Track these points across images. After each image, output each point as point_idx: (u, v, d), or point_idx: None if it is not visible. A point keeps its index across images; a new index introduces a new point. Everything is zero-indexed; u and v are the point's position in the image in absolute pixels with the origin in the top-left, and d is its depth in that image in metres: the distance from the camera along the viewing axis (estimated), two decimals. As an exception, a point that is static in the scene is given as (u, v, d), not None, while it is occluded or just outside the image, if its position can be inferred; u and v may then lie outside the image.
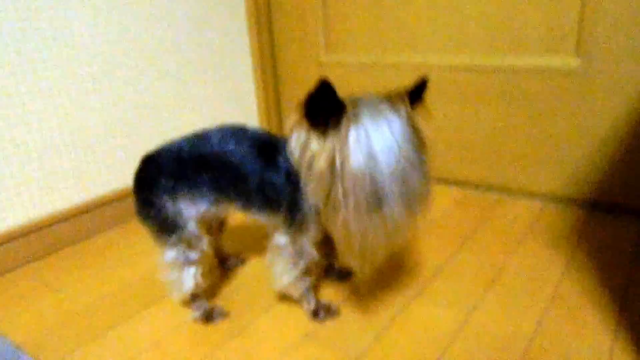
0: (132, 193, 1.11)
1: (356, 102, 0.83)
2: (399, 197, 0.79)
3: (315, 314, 1.13)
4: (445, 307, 1.15)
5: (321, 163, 0.83)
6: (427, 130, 0.88)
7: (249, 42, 2.10)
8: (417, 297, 1.19)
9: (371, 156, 0.78)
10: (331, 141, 0.81)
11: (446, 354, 1.00)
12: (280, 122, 2.28)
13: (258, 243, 1.49)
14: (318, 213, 0.99)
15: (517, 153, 1.67)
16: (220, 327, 1.14)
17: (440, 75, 1.73)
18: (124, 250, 1.54)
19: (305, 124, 0.87)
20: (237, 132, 1.06)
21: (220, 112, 2.04)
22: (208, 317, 1.15)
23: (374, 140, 0.78)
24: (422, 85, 0.88)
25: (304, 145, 0.88)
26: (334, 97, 0.81)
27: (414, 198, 0.82)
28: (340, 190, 0.80)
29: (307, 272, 1.09)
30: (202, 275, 1.12)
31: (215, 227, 1.26)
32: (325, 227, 0.92)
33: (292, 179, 0.98)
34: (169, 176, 1.05)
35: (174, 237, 1.07)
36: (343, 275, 1.26)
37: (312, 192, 0.88)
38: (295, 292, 1.12)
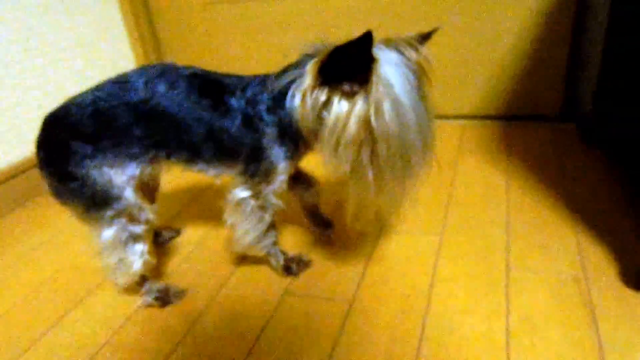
0: (39, 168, 0.86)
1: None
2: (421, 148, 0.75)
3: (287, 269, 1.01)
4: (418, 234, 1.11)
5: (353, 124, 0.73)
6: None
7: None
8: (386, 231, 1.13)
9: (401, 110, 0.71)
10: (362, 100, 0.72)
11: (436, 276, 0.97)
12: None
13: (187, 209, 1.32)
14: (292, 159, 0.88)
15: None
16: (179, 308, 0.97)
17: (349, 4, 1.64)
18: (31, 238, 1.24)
19: (323, 85, 0.74)
20: (166, 72, 0.86)
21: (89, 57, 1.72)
22: (164, 299, 0.97)
23: (401, 94, 0.71)
24: (429, 35, 0.80)
25: (321, 108, 0.75)
26: (369, 50, 0.69)
27: (428, 147, 0.77)
28: (379, 147, 0.72)
29: (271, 226, 0.96)
30: (149, 251, 0.93)
31: (147, 194, 1.04)
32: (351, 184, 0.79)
33: (254, 123, 0.84)
34: (87, 138, 0.83)
35: (109, 212, 0.86)
36: (326, 224, 1.13)
37: (340, 154, 0.75)
38: (261, 250, 0.98)
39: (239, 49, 1.84)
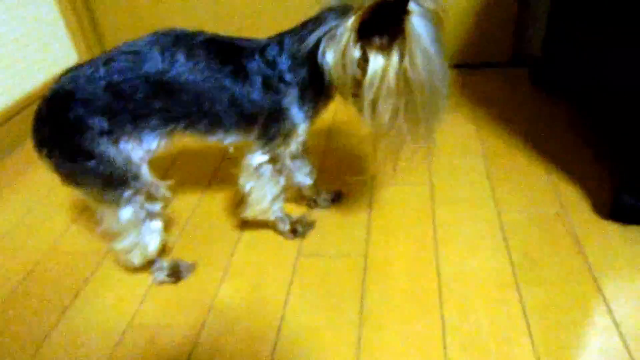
0: (40, 147, 0.80)
1: None
2: (445, 91, 0.78)
3: (293, 231, 1.03)
4: (409, 185, 1.16)
5: (392, 77, 0.74)
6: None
7: None
8: (379, 184, 1.17)
9: (430, 59, 0.73)
10: (397, 53, 0.73)
11: (436, 221, 1.04)
12: (99, 37, 1.85)
13: (169, 175, 1.28)
14: (311, 118, 0.88)
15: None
16: (194, 282, 0.96)
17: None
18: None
19: (357, 39, 0.74)
20: (180, 40, 0.81)
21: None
22: (176, 274, 0.96)
23: (429, 44, 0.72)
24: None
25: (354, 62, 0.75)
26: (406, 5, 0.69)
27: (448, 89, 0.80)
28: (414, 96, 0.74)
29: (282, 189, 0.97)
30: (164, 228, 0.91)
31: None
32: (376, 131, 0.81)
33: (274, 85, 0.82)
34: (104, 113, 0.77)
35: (127, 191, 0.82)
36: (335, 199, 1.14)
37: (380, 107, 0.76)
38: (272, 215, 0.99)
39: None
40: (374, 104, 0.76)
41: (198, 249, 1.04)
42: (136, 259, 0.91)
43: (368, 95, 0.76)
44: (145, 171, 0.84)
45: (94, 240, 1.09)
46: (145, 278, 0.97)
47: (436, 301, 0.87)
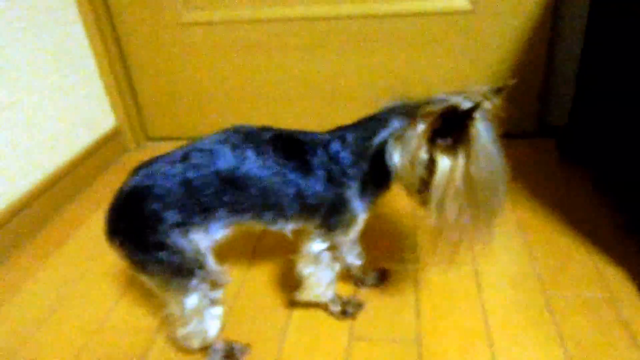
0: (114, 238, 0.82)
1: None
2: (505, 191, 0.81)
3: (344, 312, 1.04)
4: (454, 265, 1.18)
5: (458, 177, 0.77)
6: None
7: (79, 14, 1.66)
8: (422, 264, 1.19)
9: (492, 159, 0.77)
10: (462, 154, 0.76)
11: (484, 302, 1.05)
12: (136, 104, 1.91)
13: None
14: (370, 209, 0.91)
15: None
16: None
17: (330, 26, 1.65)
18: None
19: (428, 141, 0.77)
20: (249, 137, 0.85)
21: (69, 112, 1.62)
22: (231, 357, 0.97)
23: (490, 145, 0.76)
24: (502, 89, 0.84)
25: (422, 164, 0.79)
26: (474, 113, 0.73)
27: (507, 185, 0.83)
28: (478, 194, 0.77)
29: (337, 274, 1.00)
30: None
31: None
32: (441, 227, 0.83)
33: (337, 178, 0.85)
34: (178, 208, 0.80)
35: (194, 280, 0.84)
36: (382, 278, 1.16)
37: (446, 206, 0.79)
38: (326, 298, 1.01)
39: (211, 70, 1.80)
40: (441, 203, 0.79)
41: (249, 329, 1.05)
42: (196, 344, 0.92)
43: (436, 195, 0.78)
44: (210, 260, 0.87)
45: (143, 315, 1.10)
46: (199, 358, 0.98)
47: (496, 395, 0.87)
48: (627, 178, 1.25)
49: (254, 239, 1.32)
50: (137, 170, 0.84)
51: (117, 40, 1.78)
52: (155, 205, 0.79)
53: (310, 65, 1.72)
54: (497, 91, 0.84)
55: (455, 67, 1.67)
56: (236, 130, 0.86)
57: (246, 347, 0.99)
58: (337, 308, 1.04)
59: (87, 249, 1.36)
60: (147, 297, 1.14)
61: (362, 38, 1.66)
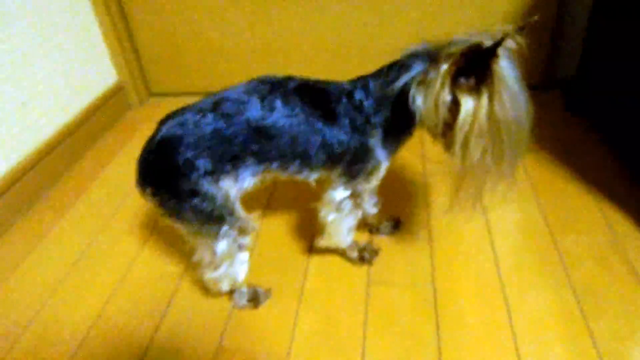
0: (146, 187, 0.85)
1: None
2: (529, 130, 0.80)
3: (362, 258, 1.08)
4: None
5: (483, 119, 0.76)
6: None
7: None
8: (435, 213, 1.22)
9: (516, 98, 0.75)
10: (486, 94, 0.75)
11: (495, 248, 1.09)
12: (138, 59, 1.88)
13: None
14: (392, 156, 0.93)
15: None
16: (271, 309, 1.01)
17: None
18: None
19: (449, 82, 0.77)
20: (275, 87, 0.86)
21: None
22: (255, 300, 1.01)
23: (514, 83, 0.75)
24: (524, 27, 0.80)
25: (446, 106, 0.78)
26: (497, 50, 0.72)
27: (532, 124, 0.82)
28: (503, 135, 0.76)
29: (358, 221, 1.03)
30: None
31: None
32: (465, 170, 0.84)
33: (361, 127, 0.87)
34: (210, 156, 0.82)
35: (225, 226, 0.87)
36: (396, 226, 1.19)
37: (471, 148, 0.79)
38: (346, 244, 1.05)
39: (216, 22, 1.77)
40: (465, 144, 0.79)
41: (270, 274, 1.08)
42: (225, 287, 0.96)
43: (460, 136, 0.79)
44: (239, 207, 0.89)
45: (166, 263, 1.13)
46: (223, 302, 1.02)
47: (509, 337, 0.92)
48: (631, 129, 1.28)
49: (267, 193, 1.34)
50: (165, 120, 0.84)
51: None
52: (187, 154, 0.81)
53: (323, 15, 1.69)
54: (520, 30, 0.80)
55: (465, 17, 1.66)
56: (262, 80, 0.87)
57: (268, 291, 1.03)
58: (354, 254, 1.07)
59: (102, 204, 1.38)
60: (169, 245, 1.18)
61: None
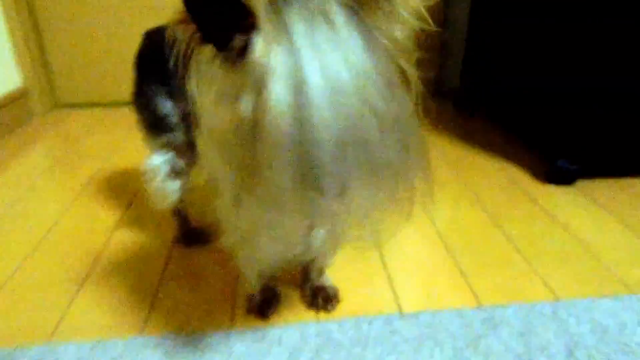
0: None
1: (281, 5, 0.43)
2: (356, 169, 0.45)
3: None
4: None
5: (227, 112, 0.46)
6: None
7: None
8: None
9: (304, 98, 0.42)
10: (241, 74, 0.44)
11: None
12: (46, 64, 1.83)
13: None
14: None
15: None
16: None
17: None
18: None
19: (205, 45, 0.47)
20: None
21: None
22: (189, 238, 1.01)
23: (309, 71, 0.42)
24: None
25: (208, 82, 0.48)
26: None
27: (383, 174, 0.47)
28: (259, 152, 0.44)
29: None
30: (187, 190, 0.92)
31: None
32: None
33: None
34: (167, 61, 0.74)
35: (163, 139, 0.86)
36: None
37: (221, 158, 0.52)
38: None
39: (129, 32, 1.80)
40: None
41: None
42: (158, 204, 0.90)
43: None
44: (180, 129, 0.87)
45: (97, 218, 1.10)
46: (161, 248, 0.99)
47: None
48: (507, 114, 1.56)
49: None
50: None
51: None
52: (151, 53, 0.85)
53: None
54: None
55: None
56: None
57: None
58: None
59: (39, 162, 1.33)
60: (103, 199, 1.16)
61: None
